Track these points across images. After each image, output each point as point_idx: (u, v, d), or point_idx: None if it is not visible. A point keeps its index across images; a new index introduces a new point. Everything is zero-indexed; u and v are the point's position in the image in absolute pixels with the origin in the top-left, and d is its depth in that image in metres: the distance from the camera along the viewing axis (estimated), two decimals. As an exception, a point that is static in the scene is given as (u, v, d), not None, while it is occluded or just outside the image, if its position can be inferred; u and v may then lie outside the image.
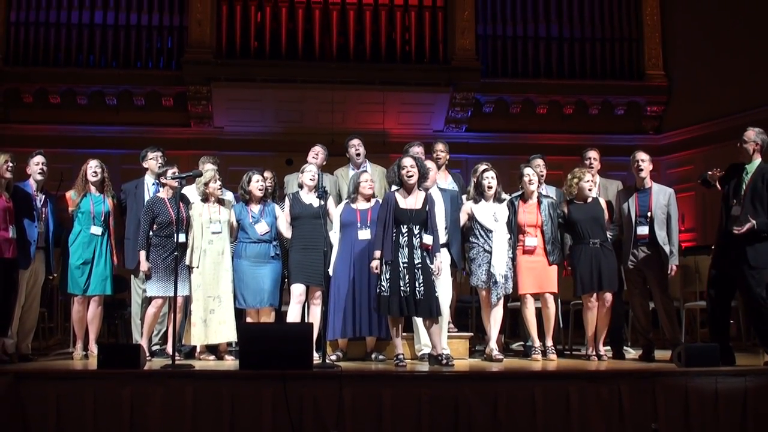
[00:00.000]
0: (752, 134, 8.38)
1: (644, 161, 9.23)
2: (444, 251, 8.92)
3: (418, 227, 8.30)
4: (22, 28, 15.39)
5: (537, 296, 9.15)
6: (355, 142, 10.02)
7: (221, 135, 15.72)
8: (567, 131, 16.12)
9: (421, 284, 8.17)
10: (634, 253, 9.10)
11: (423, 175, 8.56)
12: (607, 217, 9.25)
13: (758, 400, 7.39)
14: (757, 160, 8.34)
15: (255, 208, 9.05)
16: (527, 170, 9.23)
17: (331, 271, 8.85)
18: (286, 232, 9.02)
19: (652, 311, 9.43)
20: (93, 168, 9.13)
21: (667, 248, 9.03)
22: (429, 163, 9.11)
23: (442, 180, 9.53)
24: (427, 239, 8.32)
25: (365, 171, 9.19)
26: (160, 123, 15.53)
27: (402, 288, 8.12)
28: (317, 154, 9.97)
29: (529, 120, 16.33)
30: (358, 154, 9.99)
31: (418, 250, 8.26)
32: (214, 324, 8.79)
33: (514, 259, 9.06)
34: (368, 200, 8.77)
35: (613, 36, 16.50)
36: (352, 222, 8.79)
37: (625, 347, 9.85)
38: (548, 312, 9.09)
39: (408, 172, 8.38)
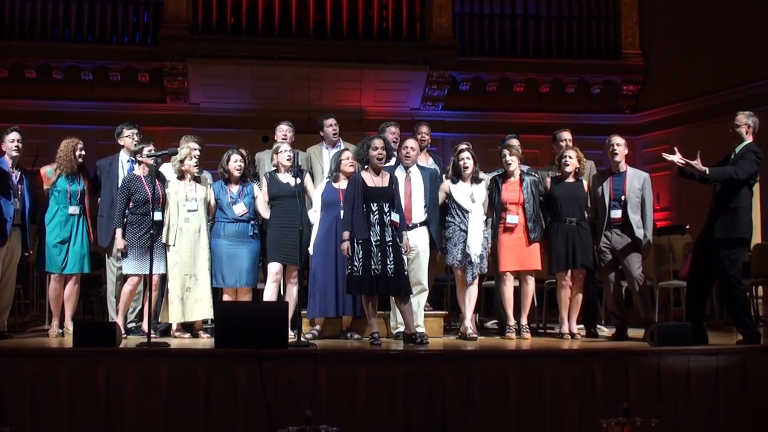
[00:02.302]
0: (743, 117, 8.40)
1: (619, 145, 9.25)
2: (423, 230, 8.99)
3: (387, 205, 8.35)
4: (-3, 2, 15.29)
5: (516, 274, 9.19)
6: (332, 121, 9.95)
7: (197, 111, 15.67)
8: (543, 110, 16.17)
9: (392, 262, 8.23)
10: (607, 235, 9.15)
11: (389, 156, 8.69)
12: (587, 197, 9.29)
13: (730, 379, 7.48)
14: (747, 140, 8.36)
15: (234, 188, 9.03)
16: (504, 151, 9.24)
17: (311, 250, 8.87)
18: (265, 212, 9.00)
19: (625, 290, 9.48)
20: (81, 148, 9.11)
21: (640, 232, 9.07)
22: (412, 142, 9.16)
23: (423, 161, 9.54)
24: (395, 217, 8.38)
25: (346, 149, 9.15)
26: (136, 99, 15.48)
27: (373, 267, 8.16)
28: (286, 133, 9.87)
29: (506, 98, 16.34)
30: (335, 133, 9.95)
31: (389, 228, 8.32)
32: (190, 302, 8.80)
33: (495, 237, 9.11)
34: (349, 179, 8.74)
35: (590, 14, 16.53)
36: (334, 201, 8.78)
37: (598, 326, 9.92)
38: (527, 290, 9.14)
39: (379, 153, 8.43)
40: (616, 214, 9.11)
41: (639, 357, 7.48)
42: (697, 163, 8.17)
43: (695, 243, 8.80)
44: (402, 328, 8.72)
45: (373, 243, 8.22)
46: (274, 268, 8.86)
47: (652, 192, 9.35)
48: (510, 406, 7.12)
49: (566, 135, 9.89)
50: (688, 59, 15.25)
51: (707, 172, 8.12)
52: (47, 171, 9.09)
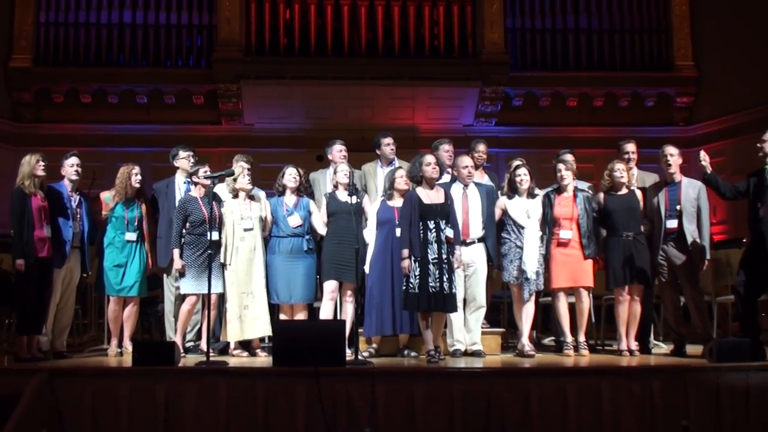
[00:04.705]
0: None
1: (672, 156, 9.21)
2: (481, 246, 9.00)
3: (444, 222, 8.37)
4: (52, 29, 15.53)
5: (570, 290, 9.14)
6: (390, 140, 9.92)
7: (251, 132, 15.78)
8: (597, 124, 16.07)
9: (449, 279, 8.27)
10: (665, 249, 9.08)
11: (441, 173, 8.79)
12: (642, 207, 9.22)
13: (790, 395, 7.38)
14: None
15: (289, 200, 9.11)
16: (559, 165, 9.22)
17: (367, 268, 8.90)
18: (321, 228, 9.07)
19: (683, 306, 9.40)
20: (137, 174, 9.24)
21: (696, 242, 8.99)
22: (467, 159, 9.17)
23: (478, 178, 9.54)
24: (450, 233, 8.40)
25: (400, 168, 9.16)
26: (191, 121, 15.63)
27: (431, 284, 8.18)
28: (344, 153, 9.90)
29: (559, 113, 16.27)
30: (392, 151, 9.94)
31: (446, 245, 8.33)
32: (248, 319, 8.86)
33: (547, 254, 9.07)
34: (404, 196, 8.76)
35: (642, 27, 16.41)
36: (389, 219, 8.81)
37: (656, 342, 9.84)
38: (582, 306, 9.06)
39: (433, 168, 8.48)
40: (672, 224, 9.05)
41: (698, 374, 7.40)
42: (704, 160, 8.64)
43: (743, 257, 8.75)
44: (459, 346, 8.77)
45: (431, 260, 8.25)
46: (330, 286, 8.91)
47: (708, 204, 9.25)
48: (569, 424, 7.08)
49: (629, 147, 9.82)
50: (742, 69, 15.09)
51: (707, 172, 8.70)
52: (106, 197, 9.22)
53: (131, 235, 9.11)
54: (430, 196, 8.46)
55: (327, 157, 9.97)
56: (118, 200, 9.13)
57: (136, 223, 9.16)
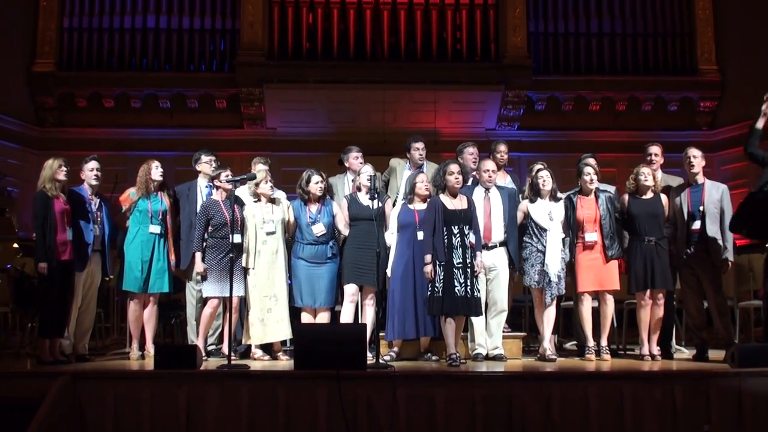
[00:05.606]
0: None
1: (695, 157, 9.18)
2: (503, 250, 9.01)
3: (467, 227, 8.40)
4: (76, 34, 15.61)
5: (594, 294, 9.12)
6: (420, 144, 9.87)
7: (274, 136, 15.81)
8: (620, 128, 16.01)
9: (473, 283, 8.30)
10: (687, 252, 9.03)
11: (465, 180, 8.84)
12: (666, 212, 9.18)
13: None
14: None
15: (313, 207, 9.10)
16: (587, 169, 9.17)
17: (389, 272, 8.91)
18: (345, 229, 9.07)
19: (706, 310, 9.35)
20: (159, 168, 9.26)
21: (719, 244, 8.95)
22: (492, 165, 9.17)
23: (501, 180, 9.53)
24: (473, 238, 8.43)
25: (421, 172, 9.15)
26: (214, 125, 15.69)
27: (457, 287, 8.22)
28: (357, 158, 9.90)
29: (582, 117, 16.21)
30: (421, 156, 9.92)
31: (470, 250, 8.35)
32: (271, 323, 8.89)
33: (572, 257, 9.05)
34: (424, 201, 8.77)
35: (665, 31, 16.33)
36: (410, 223, 8.79)
37: (678, 347, 9.79)
38: (606, 310, 9.03)
39: (456, 178, 8.53)
40: (695, 226, 9.01)
41: (720, 379, 7.36)
42: None
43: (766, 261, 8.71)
44: (481, 350, 8.76)
45: (456, 264, 8.29)
46: (350, 289, 8.91)
47: (732, 207, 9.20)
48: (590, 428, 7.06)
49: (653, 149, 9.76)
50: (766, 73, 14.98)
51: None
52: (131, 193, 9.24)
53: (155, 228, 9.12)
54: (454, 203, 8.51)
55: (346, 164, 9.97)
56: (141, 195, 9.14)
57: (160, 216, 9.17)
